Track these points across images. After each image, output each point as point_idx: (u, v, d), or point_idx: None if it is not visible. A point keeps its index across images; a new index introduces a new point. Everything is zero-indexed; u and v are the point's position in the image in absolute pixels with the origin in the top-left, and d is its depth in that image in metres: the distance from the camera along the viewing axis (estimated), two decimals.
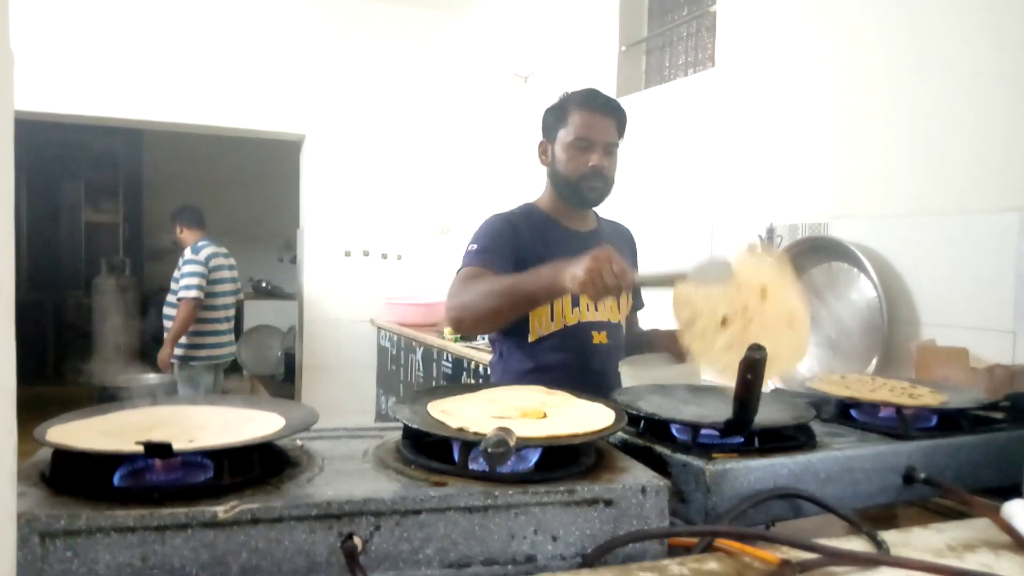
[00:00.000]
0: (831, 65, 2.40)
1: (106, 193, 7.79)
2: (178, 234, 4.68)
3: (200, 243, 4.54)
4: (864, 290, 2.19)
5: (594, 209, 1.93)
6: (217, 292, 4.53)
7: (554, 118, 1.84)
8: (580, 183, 1.79)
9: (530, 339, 1.79)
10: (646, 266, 2.10)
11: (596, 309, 1.82)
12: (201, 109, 4.75)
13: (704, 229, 2.91)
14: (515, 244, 1.76)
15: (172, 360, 4.46)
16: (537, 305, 1.67)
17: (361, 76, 5.13)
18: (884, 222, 2.19)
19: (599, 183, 1.79)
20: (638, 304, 2.04)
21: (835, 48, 2.39)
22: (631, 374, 1.63)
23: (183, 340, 4.42)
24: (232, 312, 4.75)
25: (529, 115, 4.32)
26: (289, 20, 4.93)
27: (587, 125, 1.77)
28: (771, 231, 2.60)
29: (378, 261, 5.26)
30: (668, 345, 1.79)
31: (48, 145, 7.17)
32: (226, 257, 4.64)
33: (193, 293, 4.34)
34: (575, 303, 1.79)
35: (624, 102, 1.93)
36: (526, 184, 4.31)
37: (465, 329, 1.71)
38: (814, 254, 2.37)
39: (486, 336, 4.16)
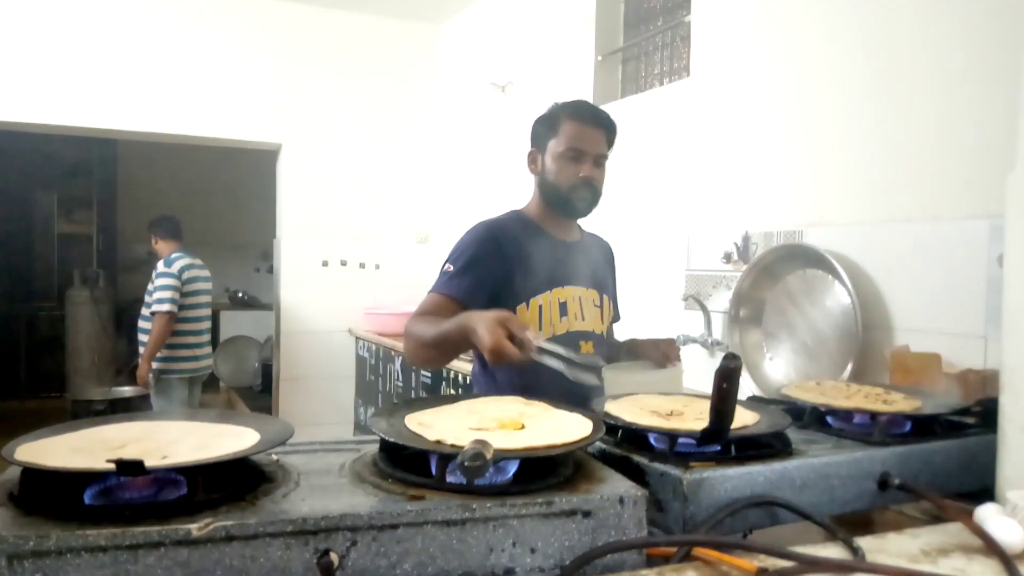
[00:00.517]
0: (804, 74, 2.43)
1: (79, 204, 7.68)
2: (153, 245, 4.61)
3: (174, 255, 4.47)
4: (839, 297, 2.22)
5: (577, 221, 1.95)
6: (192, 304, 4.46)
7: (545, 128, 1.85)
8: (570, 193, 1.80)
9: None
10: (623, 276, 2.13)
11: (584, 319, 1.83)
12: (176, 118, 4.71)
13: (680, 237, 2.93)
14: (495, 259, 1.75)
15: (150, 375, 4.39)
16: (467, 350, 1.67)
17: (338, 85, 5.11)
18: (858, 229, 2.22)
19: (588, 194, 1.81)
20: (616, 316, 2.05)
21: (808, 58, 2.42)
22: (614, 380, 1.64)
23: (159, 354, 4.35)
24: (208, 324, 4.69)
25: (507, 125, 4.33)
26: (265, 29, 4.91)
27: (578, 136, 1.78)
28: (746, 239, 2.62)
29: (356, 271, 5.23)
30: (648, 353, 1.81)
31: (20, 155, 7.07)
32: (201, 268, 4.57)
33: (166, 307, 4.26)
34: (563, 312, 1.80)
35: None
36: (504, 193, 4.31)
37: (412, 359, 1.75)
38: (789, 261, 2.39)
39: None
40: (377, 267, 5.28)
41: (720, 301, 2.70)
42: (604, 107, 3.33)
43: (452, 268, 1.75)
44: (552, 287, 1.80)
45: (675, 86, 3.12)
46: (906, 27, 2.11)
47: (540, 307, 1.77)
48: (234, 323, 7.13)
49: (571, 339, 1.79)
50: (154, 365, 4.35)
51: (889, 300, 2.13)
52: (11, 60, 4.29)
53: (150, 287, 4.42)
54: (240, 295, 7.60)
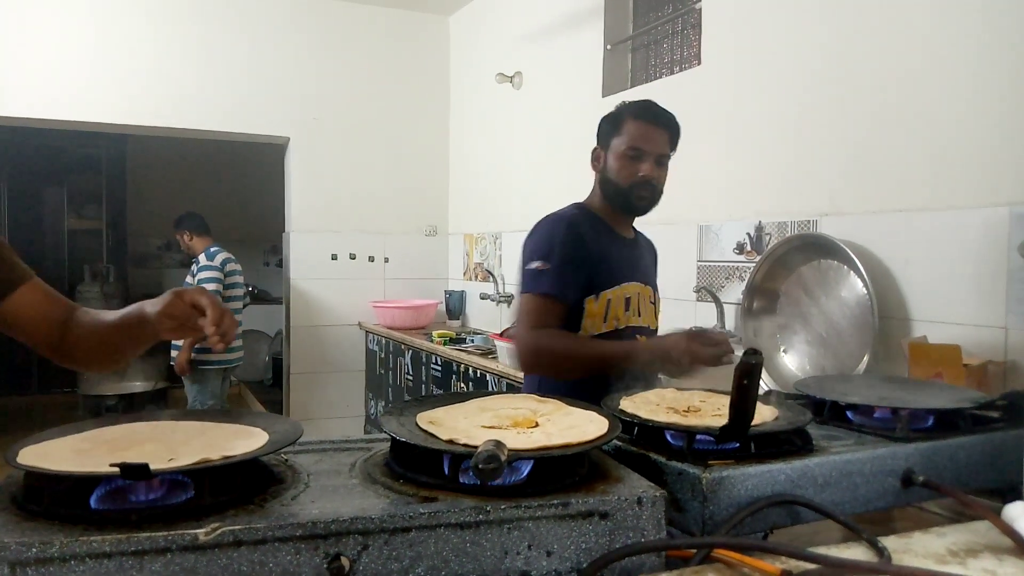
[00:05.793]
0: (818, 61, 2.39)
1: (89, 199, 7.69)
2: (187, 241, 4.68)
3: (212, 249, 4.56)
4: (854, 287, 2.18)
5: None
6: (231, 297, 4.53)
7: (609, 127, 1.88)
8: (630, 192, 1.83)
9: None
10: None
11: (640, 315, 1.87)
12: (184, 113, 4.69)
13: (692, 228, 2.89)
14: (583, 254, 1.78)
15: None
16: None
17: (345, 77, 5.08)
18: (873, 219, 2.18)
19: (648, 193, 1.84)
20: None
21: (823, 45, 2.38)
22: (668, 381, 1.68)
23: (198, 344, 4.40)
24: (241, 317, 4.73)
25: (515, 115, 4.30)
26: (272, 22, 4.88)
27: (640, 136, 1.81)
28: (759, 229, 2.58)
29: (365, 264, 5.22)
30: None
31: (29, 151, 7.08)
32: (236, 263, 4.66)
33: None
34: (627, 307, 1.83)
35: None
36: (513, 184, 4.28)
37: (536, 371, 1.81)
38: (803, 252, 2.35)
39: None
40: (386, 260, 5.27)
41: (733, 293, 2.66)
42: (613, 97, 3.30)
43: (547, 266, 1.75)
44: (620, 282, 1.84)
45: (686, 75, 3.07)
46: (922, 10, 2.07)
47: (608, 301, 1.81)
48: (244, 317, 7.14)
49: (630, 333, 1.83)
50: (193, 356, 4.41)
51: (906, 290, 2.09)
52: (20, 57, 4.28)
53: (190, 280, 4.49)
54: (250, 289, 7.62)
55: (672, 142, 1.87)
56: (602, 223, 1.89)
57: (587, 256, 1.78)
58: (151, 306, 1.17)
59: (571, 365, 1.70)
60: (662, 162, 1.84)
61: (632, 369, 1.61)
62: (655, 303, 1.96)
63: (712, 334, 1.60)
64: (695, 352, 1.55)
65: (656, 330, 1.94)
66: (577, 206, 1.94)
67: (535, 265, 1.75)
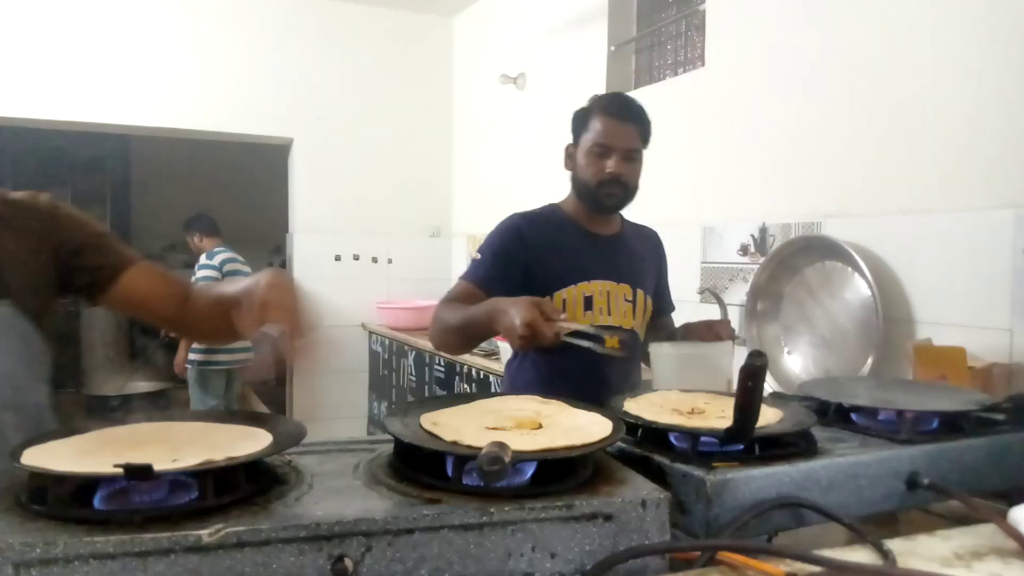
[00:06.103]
0: (823, 63, 2.39)
1: (93, 199, 7.69)
2: (196, 243, 4.70)
3: (216, 249, 4.60)
4: (859, 289, 2.18)
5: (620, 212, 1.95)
6: None
7: (579, 123, 1.85)
8: (598, 189, 1.79)
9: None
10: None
11: (610, 314, 1.83)
12: (188, 113, 4.70)
13: (695, 230, 2.89)
14: (519, 250, 1.78)
15: (186, 365, 4.46)
16: (491, 337, 1.72)
17: (349, 79, 5.09)
18: (878, 220, 2.18)
19: (617, 190, 1.80)
20: (668, 307, 2.06)
21: (827, 46, 2.38)
22: (659, 353, 1.65)
23: (199, 345, 4.39)
24: None
25: (520, 117, 4.29)
26: (276, 23, 4.89)
27: (606, 131, 1.77)
28: (763, 231, 2.58)
29: (368, 265, 5.22)
30: (699, 333, 1.82)
31: (34, 151, 7.09)
32: (243, 264, 4.66)
33: None
34: (588, 306, 1.80)
35: None
36: (517, 186, 4.28)
37: (437, 342, 1.79)
38: (807, 253, 2.35)
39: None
40: (389, 261, 5.27)
41: (737, 294, 2.66)
42: None
43: (480, 257, 1.81)
44: (577, 281, 1.80)
45: (689, 76, 3.07)
46: (928, 12, 2.06)
47: (564, 301, 1.78)
48: None
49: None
50: (193, 356, 4.41)
51: (910, 292, 2.09)
52: (24, 57, 4.29)
53: (192, 280, 4.48)
54: None
55: (643, 136, 1.82)
56: (569, 222, 1.86)
57: (526, 255, 1.78)
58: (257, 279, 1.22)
59: (453, 328, 1.69)
60: (632, 157, 1.79)
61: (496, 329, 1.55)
62: (634, 300, 1.87)
63: (548, 305, 1.45)
64: (534, 321, 1.39)
65: (632, 328, 1.87)
66: (550, 205, 1.92)
67: (474, 256, 1.84)
